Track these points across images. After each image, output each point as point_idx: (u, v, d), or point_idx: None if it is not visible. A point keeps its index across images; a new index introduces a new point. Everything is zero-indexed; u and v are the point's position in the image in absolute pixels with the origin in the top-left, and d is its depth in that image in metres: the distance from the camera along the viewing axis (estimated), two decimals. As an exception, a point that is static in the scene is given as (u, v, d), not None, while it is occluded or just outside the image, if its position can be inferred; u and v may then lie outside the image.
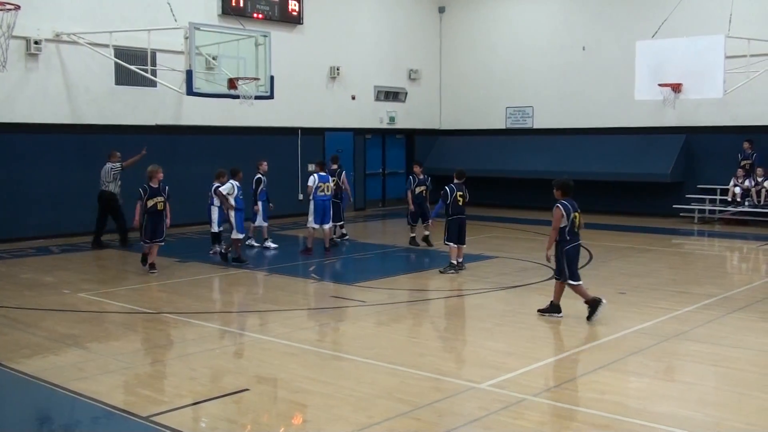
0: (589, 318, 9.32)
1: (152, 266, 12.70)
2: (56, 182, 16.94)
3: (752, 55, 17.27)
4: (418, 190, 15.75)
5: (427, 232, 15.70)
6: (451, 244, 12.89)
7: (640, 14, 21.30)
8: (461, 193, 13.00)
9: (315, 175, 14.73)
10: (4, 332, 9.05)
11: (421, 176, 15.92)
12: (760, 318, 9.72)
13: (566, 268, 9.38)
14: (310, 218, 14.69)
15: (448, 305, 10.97)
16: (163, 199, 12.58)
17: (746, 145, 19.81)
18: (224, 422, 6.23)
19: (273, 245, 15.48)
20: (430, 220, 15.48)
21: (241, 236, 13.74)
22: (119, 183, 15.90)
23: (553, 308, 9.63)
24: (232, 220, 13.58)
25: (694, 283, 12.01)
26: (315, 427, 6.13)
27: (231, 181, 13.86)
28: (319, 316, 9.91)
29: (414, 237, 15.90)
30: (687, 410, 6.45)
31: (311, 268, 13.49)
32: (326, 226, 14.81)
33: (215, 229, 14.67)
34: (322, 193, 14.60)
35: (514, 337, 8.82)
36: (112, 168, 15.77)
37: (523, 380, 7.21)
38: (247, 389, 6.98)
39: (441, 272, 12.78)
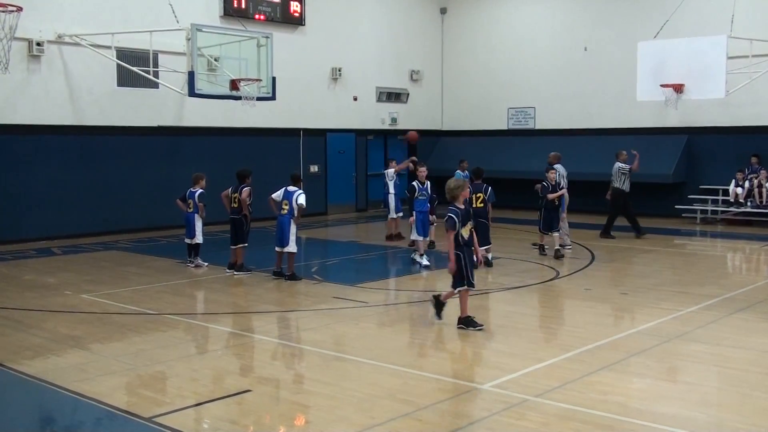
0: None
1: (441, 309, 9.49)
2: (58, 184, 16.96)
3: (754, 56, 17.25)
4: (551, 196, 14.28)
5: (542, 242, 14.76)
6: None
7: (641, 15, 21.29)
8: (480, 194, 13.10)
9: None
10: (7, 333, 9.06)
11: (554, 182, 14.44)
12: (763, 318, 9.71)
13: None
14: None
15: (450, 306, 10.94)
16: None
17: (754, 159, 19.77)
18: (227, 423, 6.23)
19: (425, 262, 13.47)
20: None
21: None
22: (626, 181, 17.03)
23: None
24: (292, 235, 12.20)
25: (697, 284, 11.99)
26: (317, 428, 6.13)
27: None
28: (321, 317, 9.91)
29: (557, 249, 14.39)
30: (689, 411, 6.44)
31: (313, 269, 13.49)
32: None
33: (200, 239, 13.43)
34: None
35: (517, 337, 8.81)
36: (620, 167, 16.95)
37: (525, 381, 7.21)
38: (250, 390, 6.98)
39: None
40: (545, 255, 14.49)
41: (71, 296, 11.15)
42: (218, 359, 8.21)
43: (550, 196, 14.18)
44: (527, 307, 10.73)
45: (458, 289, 9.08)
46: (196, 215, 13.38)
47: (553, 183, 14.41)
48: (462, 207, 9.01)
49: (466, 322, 9.07)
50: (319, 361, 7.94)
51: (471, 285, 9.07)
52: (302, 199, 12.23)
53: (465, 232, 8.95)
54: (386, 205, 17.11)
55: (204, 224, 13.56)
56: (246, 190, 12.89)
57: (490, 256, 13.37)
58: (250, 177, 13.07)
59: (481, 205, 13.16)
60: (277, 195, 12.39)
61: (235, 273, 12.80)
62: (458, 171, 17.42)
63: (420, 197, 13.66)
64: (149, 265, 13.97)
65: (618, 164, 17.05)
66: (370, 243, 17.37)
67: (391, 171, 17.12)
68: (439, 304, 9.42)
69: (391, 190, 16.89)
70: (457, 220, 8.84)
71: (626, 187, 17.00)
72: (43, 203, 16.75)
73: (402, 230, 16.78)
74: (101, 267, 13.70)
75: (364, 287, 11.78)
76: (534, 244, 15.50)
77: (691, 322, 9.44)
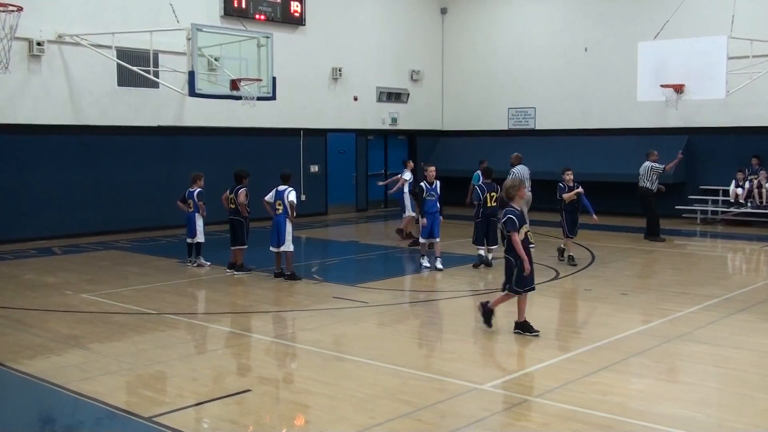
0: None
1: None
2: (58, 184, 16.96)
3: (755, 56, 17.24)
4: (566, 196, 13.76)
5: (571, 252, 13.91)
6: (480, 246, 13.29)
7: (642, 15, 21.29)
8: (493, 194, 13.12)
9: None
10: (7, 333, 9.07)
11: (571, 183, 13.89)
12: (763, 319, 9.71)
13: None
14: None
15: (450, 306, 10.96)
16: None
17: (755, 161, 19.78)
18: (226, 423, 6.23)
19: (426, 264, 13.29)
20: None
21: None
22: (657, 181, 16.87)
23: None
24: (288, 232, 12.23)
25: (697, 284, 11.99)
26: (317, 428, 6.13)
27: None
28: (321, 317, 9.91)
29: (571, 254, 13.89)
30: (689, 411, 6.44)
31: (313, 269, 13.49)
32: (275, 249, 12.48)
33: (201, 238, 13.39)
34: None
35: (516, 337, 8.81)
36: (652, 167, 16.74)
37: (525, 381, 7.22)
38: (249, 390, 6.98)
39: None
40: (573, 264, 13.64)
41: (71, 296, 11.15)
42: (218, 359, 8.21)
43: (566, 195, 14.04)
44: (527, 307, 10.71)
45: (505, 292, 8.85)
46: (196, 214, 13.35)
47: (570, 184, 13.98)
48: (519, 208, 8.68)
49: (523, 327, 8.78)
50: (319, 361, 7.95)
51: (514, 291, 8.73)
52: (292, 196, 12.26)
53: (521, 235, 8.55)
54: (401, 204, 17.23)
55: (205, 224, 13.55)
56: (242, 192, 12.85)
57: (490, 256, 13.39)
58: (247, 178, 13.03)
59: (495, 204, 13.11)
60: (270, 196, 12.43)
61: (235, 273, 12.80)
62: (478, 171, 17.14)
63: (428, 198, 13.26)
64: (149, 264, 13.97)
65: (649, 163, 16.87)
66: (370, 243, 17.37)
67: (408, 177, 17.15)
68: (487, 312, 8.99)
69: (405, 189, 16.96)
70: (517, 222, 8.50)
71: (655, 187, 16.94)
72: (43, 203, 16.74)
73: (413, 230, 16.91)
74: (101, 267, 13.70)
75: (364, 287, 11.79)
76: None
77: (691, 322, 9.44)
